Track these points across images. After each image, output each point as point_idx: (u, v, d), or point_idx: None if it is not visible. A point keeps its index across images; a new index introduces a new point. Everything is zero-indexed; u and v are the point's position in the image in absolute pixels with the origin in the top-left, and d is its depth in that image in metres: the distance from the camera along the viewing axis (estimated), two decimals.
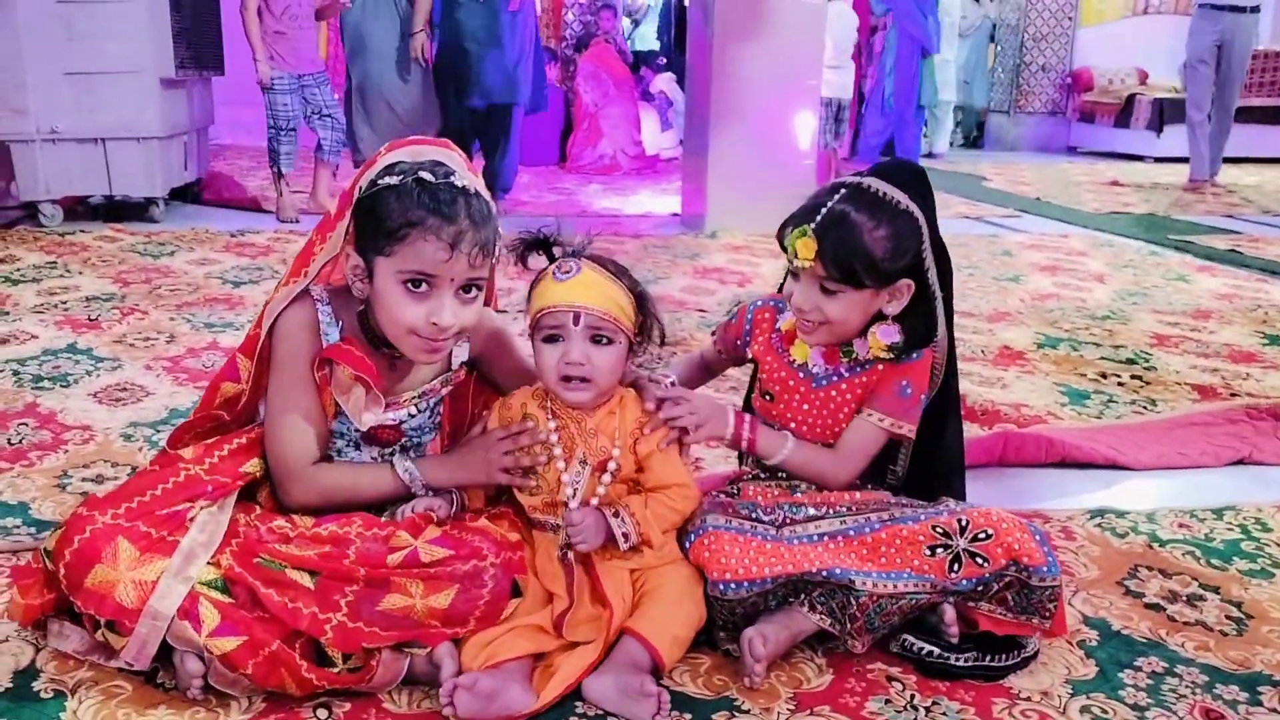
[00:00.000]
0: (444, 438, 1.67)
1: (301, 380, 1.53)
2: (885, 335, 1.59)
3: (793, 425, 1.67)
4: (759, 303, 1.75)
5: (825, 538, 1.52)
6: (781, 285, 1.78)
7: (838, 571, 1.46)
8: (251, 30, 5.00)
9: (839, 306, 1.56)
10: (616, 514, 1.51)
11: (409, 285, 1.45)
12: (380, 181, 1.46)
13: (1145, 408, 2.65)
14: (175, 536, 1.40)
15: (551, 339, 1.51)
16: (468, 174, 1.50)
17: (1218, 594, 1.71)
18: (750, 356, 1.73)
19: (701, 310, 3.57)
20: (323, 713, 1.33)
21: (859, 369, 1.64)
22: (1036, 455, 2.25)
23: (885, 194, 1.55)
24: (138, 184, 4.81)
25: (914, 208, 1.56)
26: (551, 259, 1.55)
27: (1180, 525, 1.96)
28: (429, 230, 1.42)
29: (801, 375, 1.66)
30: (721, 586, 1.45)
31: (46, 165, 4.61)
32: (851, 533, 1.52)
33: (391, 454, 1.61)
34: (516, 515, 1.59)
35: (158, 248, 4.28)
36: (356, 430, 1.57)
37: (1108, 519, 1.97)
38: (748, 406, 1.80)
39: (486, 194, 1.51)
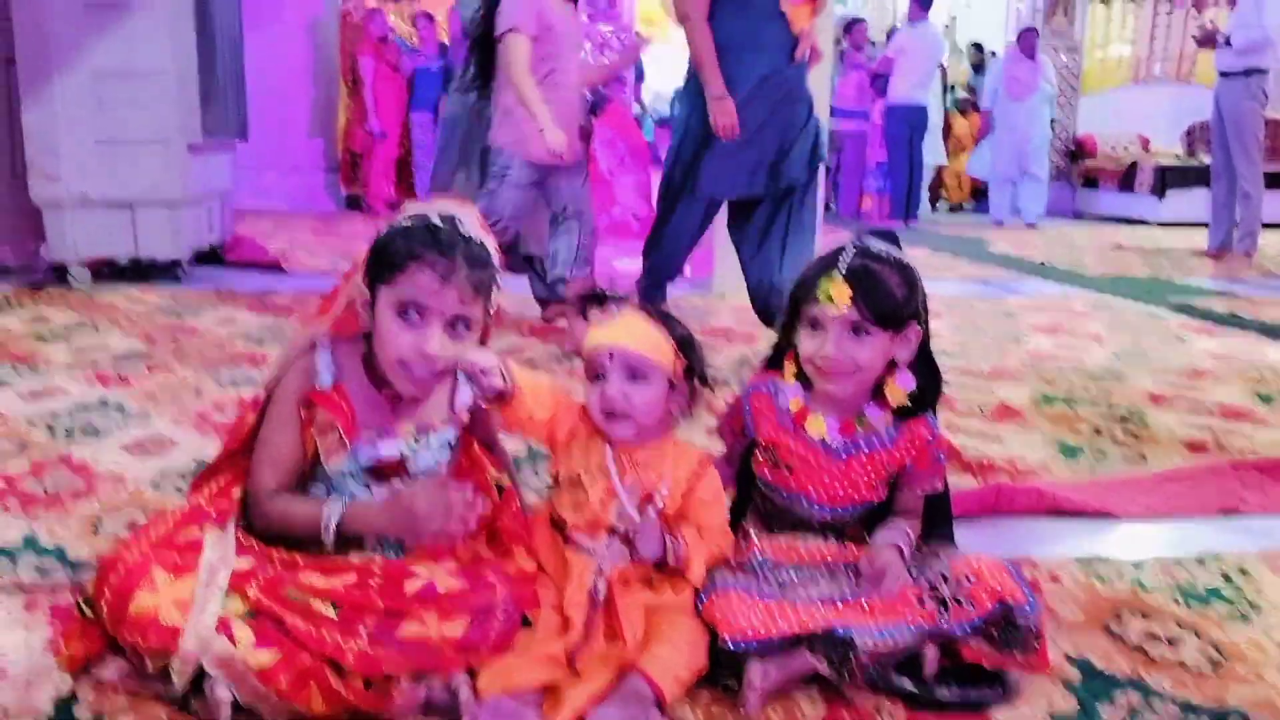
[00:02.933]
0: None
1: (284, 417, 1.66)
2: (904, 383, 1.71)
3: (813, 493, 1.76)
4: (750, 390, 1.84)
5: (826, 600, 1.62)
6: (768, 363, 1.86)
7: (839, 631, 1.54)
8: (528, 92, 3.90)
9: (868, 351, 1.68)
10: (671, 534, 1.63)
11: (402, 314, 1.58)
12: (396, 225, 1.64)
13: (1135, 463, 2.73)
14: (197, 557, 1.50)
15: (596, 378, 1.66)
16: (477, 228, 1.65)
17: (1197, 636, 1.79)
18: (759, 441, 1.81)
19: (708, 367, 3.66)
20: None
21: (876, 443, 1.75)
22: (1027, 506, 2.33)
23: (886, 251, 1.70)
24: (164, 246, 4.97)
25: (908, 260, 1.71)
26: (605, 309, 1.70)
27: (1164, 571, 2.04)
28: (425, 262, 1.56)
29: (821, 450, 1.75)
30: (732, 645, 1.54)
31: (76, 228, 4.78)
32: (850, 597, 1.62)
33: None
34: (554, 529, 1.70)
35: (183, 307, 4.42)
36: (363, 468, 1.68)
37: (1094, 566, 2.06)
38: (746, 475, 1.88)
39: (491, 244, 1.65)
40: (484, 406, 1.75)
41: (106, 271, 5.07)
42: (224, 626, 1.43)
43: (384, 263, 1.60)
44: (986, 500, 2.33)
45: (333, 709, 1.44)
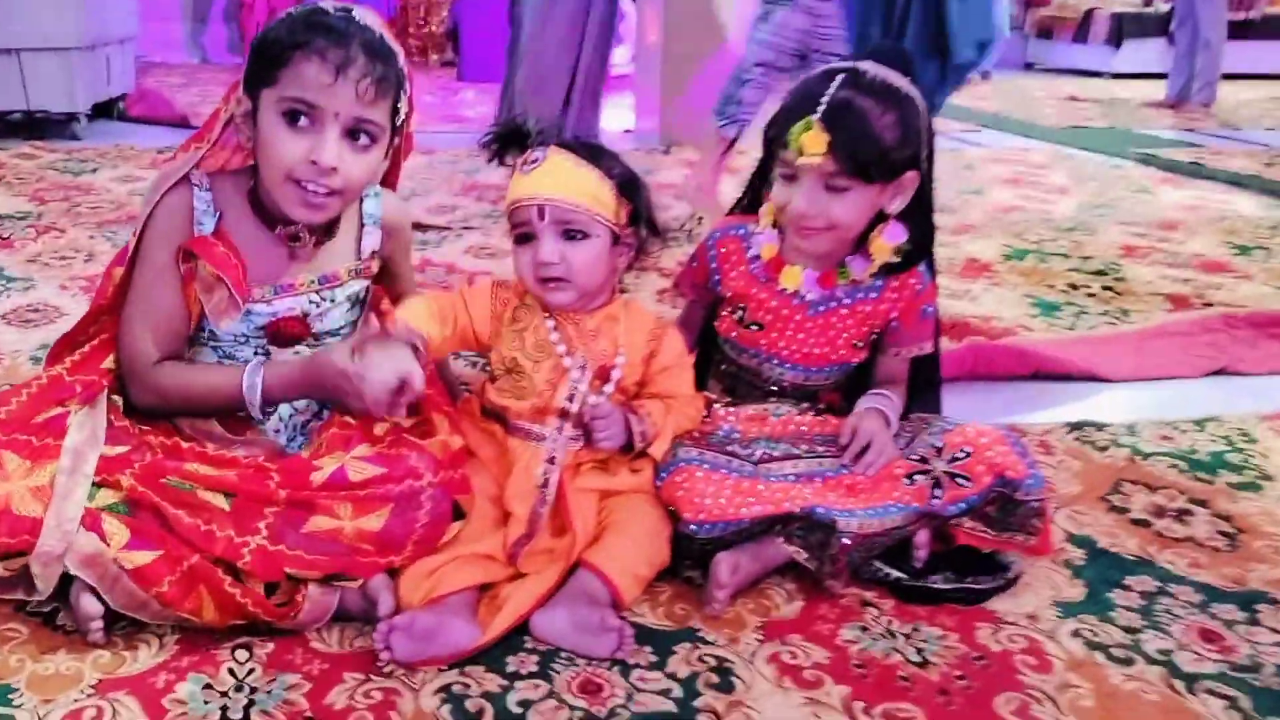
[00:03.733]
0: None
1: (160, 272, 1.39)
2: (891, 236, 1.45)
3: (785, 352, 1.54)
4: (717, 234, 1.58)
5: (803, 478, 1.41)
6: (736, 207, 1.63)
7: (819, 510, 1.33)
8: None
9: (846, 207, 1.42)
10: (634, 413, 1.40)
11: (288, 118, 1.31)
12: (278, 16, 1.36)
13: (1118, 318, 2.55)
14: (59, 441, 1.25)
15: (524, 239, 1.38)
16: (380, 24, 1.36)
17: (1206, 508, 1.61)
18: (725, 295, 1.57)
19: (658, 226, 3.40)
20: (243, 654, 1.20)
21: (859, 294, 1.52)
22: (1008, 367, 2.14)
23: (885, 78, 1.42)
24: (57, 99, 4.49)
25: (914, 92, 1.43)
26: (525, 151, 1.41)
27: (1162, 437, 1.87)
28: (313, 51, 1.29)
29: (795, 302, 1.52)
30: (694, 527, 1.32)
31: None
32: (830, 474, 1.41)
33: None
34: (485, 418, 1.46)
35: (79, 164, 4.02)
36: (260, 329, 1.42)
37: (1087, 432, 1.87)
38: (707, 341, 1.66)
39: (394, 41, 1.37)
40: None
41: None
42: (92, 521, 1.19)
43: (265, 59, 1.31)
44: (964, 362, 2.13)
45: (227, 618, 1.20)
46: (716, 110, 3.32)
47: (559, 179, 1.36)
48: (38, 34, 4.37)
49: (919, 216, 1.48)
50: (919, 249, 1.50)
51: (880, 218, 1.46)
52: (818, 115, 1.37)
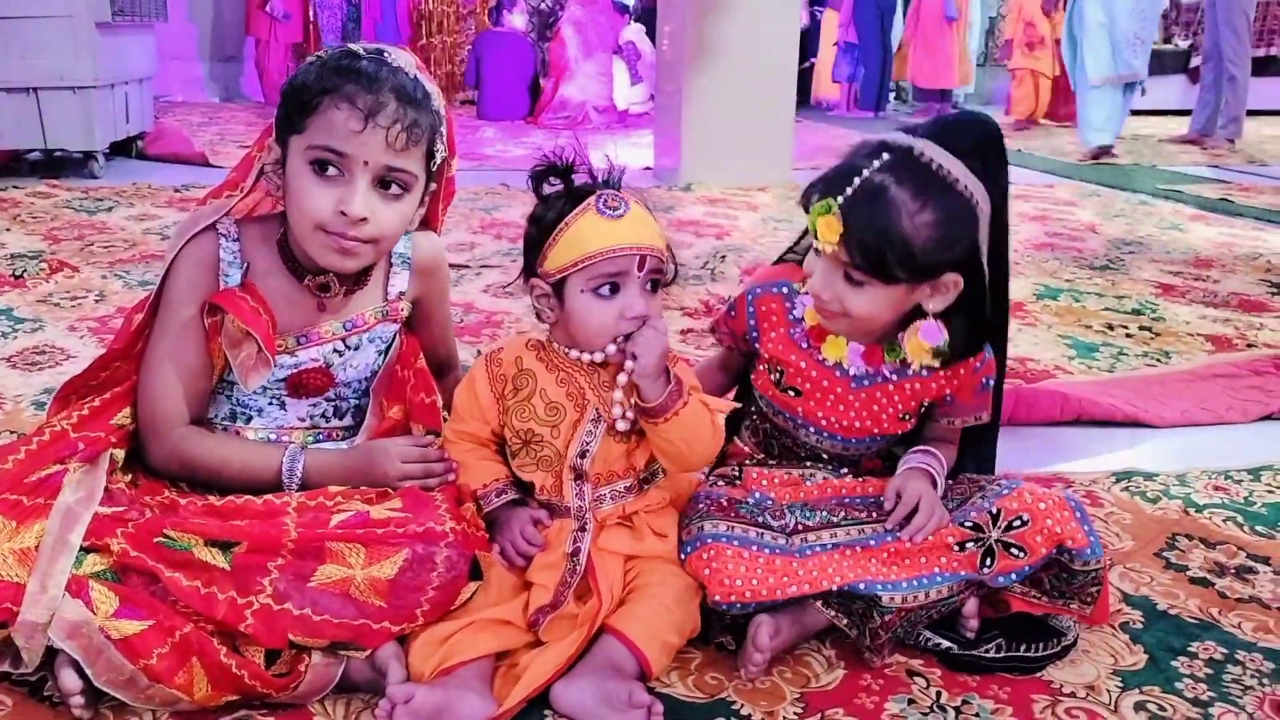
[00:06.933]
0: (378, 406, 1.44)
1: (185, 327, 1.32)
2: (928, 336, 1.31)
3: (824, 422, 1.42)
4: (758, 290, 1.45)
5: (842, 547, 1.29)
6: (784, 256, 1.55)
7: (860, 587, 1.24)
8: None
9: (864, 301, 1.29)
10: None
11: (316, 167, 1.25)
12: (309, 60, 1.30)
13: (1158, 360, 2.46)
14: (50, 501, 1.18)
15: (608, 289, 1.25)
16: (414, 65, 1.30)
17: (1269, 565, 1.51)
18: (762, 353, 1.45)
19: (679, 264, 3.33)
20: None
21: (908, 372, 1.38)
22: (1050, 412, 2.05)
23: (938, 165, 1.26)
24: (74, 137, 4.49)
25: (972, 185, 1.27)
26: (572, 190, 1.28)
27: (1216, 488, 1.77)
28: (341, 97, 1.23)
29: (837, 374, 1.40)
30: (725, 607, 1.23)
31: None
32: (872, 542, 1.28)
33: (318, 416, 1.40)
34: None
35: (94, 203, 3.99)
36: (280, 381, 1.35)
37: (1135, 482, 1.78)
38: (742, 388, 1.56)
39: (432, 85, 1.30)
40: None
41: (15, 166, 4.61)
42: (79, 588, 1.11)
43: (294, 106, 1.26)
44: (1004, 407, 2.03)
45: (221, 694, 1.12)
46: None
47: (650, 228, 1.27)
48: (55, 73, 4.36)
49: (970, 314, 1.33)
50: (970, 345, 1.36)
51: (917, 311, 1.33)
52: (840, 199, 1.25)
